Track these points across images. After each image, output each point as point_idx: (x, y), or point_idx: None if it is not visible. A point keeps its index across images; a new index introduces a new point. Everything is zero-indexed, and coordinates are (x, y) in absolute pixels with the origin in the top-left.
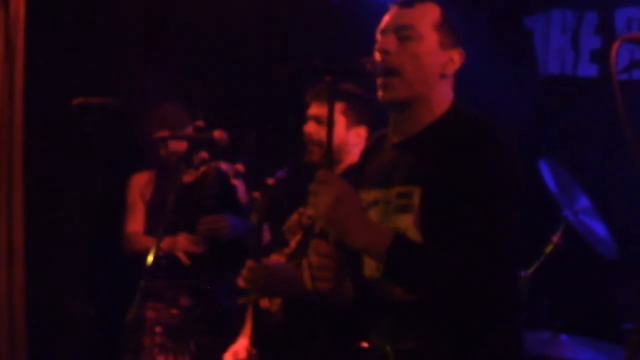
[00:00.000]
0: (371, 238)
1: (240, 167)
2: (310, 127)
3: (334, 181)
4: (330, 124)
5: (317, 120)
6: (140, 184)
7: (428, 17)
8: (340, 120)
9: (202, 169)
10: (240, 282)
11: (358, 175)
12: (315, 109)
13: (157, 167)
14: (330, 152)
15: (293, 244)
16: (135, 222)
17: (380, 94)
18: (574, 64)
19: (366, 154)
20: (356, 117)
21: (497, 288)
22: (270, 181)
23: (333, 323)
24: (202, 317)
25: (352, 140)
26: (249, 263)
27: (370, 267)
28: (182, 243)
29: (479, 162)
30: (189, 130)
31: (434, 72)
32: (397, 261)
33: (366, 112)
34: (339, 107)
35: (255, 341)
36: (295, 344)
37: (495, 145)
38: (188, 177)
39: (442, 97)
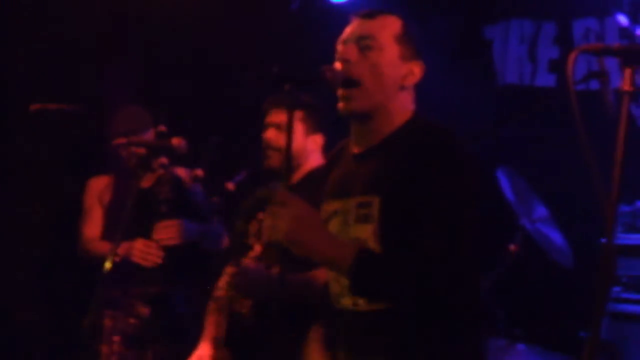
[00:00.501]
0: (335, 254)
1: (199, 172)
2: (270, 134)
3: (292, 202)
4: (289, 131)
5: (277, 127)
6: (99, 188)
7: (389, 28)
8: (298, 128)
9: (157, 173)
10: (221, 284)
11: (322, 185)
12: (275, 117)
13: (116, 171)
14: (289, 159)
15: (258, 247)
16: (92, 227)
17: (340, 105)
18: (532, 74)
19: (329, 165)
20: (313, 125)
21: (461, 296)
22: (229, 186)
23: (303, 324)
24: (160, 326)
25: (310, 147)
26: (230, 269)
27: (332, 278)
28: (138, 249)
29: (438, 172)
30: (151, 134)
31: (394, 83)
32: (361, 275)
33: (322, 120)
34: (297, 115)
35: (227, 343)
36: (266, 345)
37: (454, 154)
38: (146, 182)
39: (402, 108)
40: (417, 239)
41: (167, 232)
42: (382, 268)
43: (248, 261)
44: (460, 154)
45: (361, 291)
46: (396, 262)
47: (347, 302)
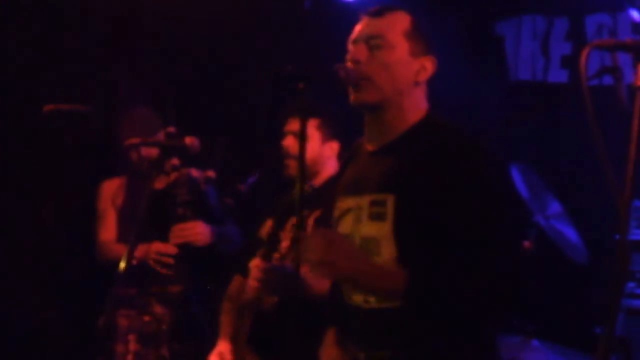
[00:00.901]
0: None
1: (211, 173)
2: (288, 142)
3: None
4: (302, 133)
5: (295, 135)
6: (111, 190)
7: (398, 25)
8: (315, 136)
9: (173, 175)
10: (252, 283)
11: (337, 184)
12: (293, 125)
13: (128, 173)
14: (303, 162)
15: (284, 249)
16: (108, 230)
17: (351, 97)
18: (545, 70)
19: (344, 163)
20: (329, 132)
21: (512, 289)
22: (242, 187)
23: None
24: (175, 324)
25: (327, 154)
26: (260, 264)
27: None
28: (154, 252)
29: (460, 170)
30: (161, 136)
31: (406, 80)
32: (418, 300)
33: (338, 127)
34: (313, 123)
35: (250, 340)
36: (288, 343)
37: (474, 152)
38: (159, 184)
39: (416, 104)
40: (456, 248)
41: (186, 234)
42: (436, 290)
43: (257, 262)
44: (480, 152)
45: (418, 315)
46: (448, 280)
47: (358, 299)
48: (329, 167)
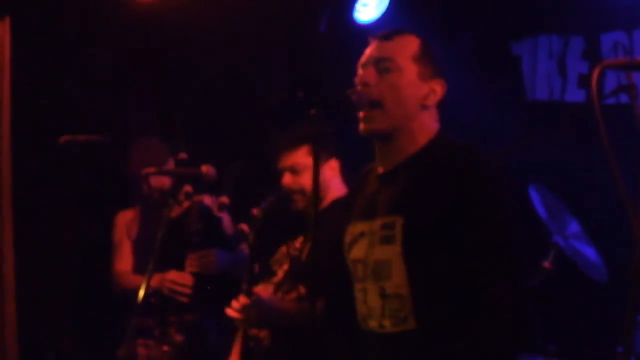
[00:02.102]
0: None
1: (224, 199)
2: (287, 179)
3: None
4: (316, 157)
5: (291, 170)
6: (126, 221)
7: (407, 49)
8: (309, 163)
9: (186, 204)
10: (231, 313)
11: (347, 208)
12: (285, 161)
13: (141, 203)
14: (316, 188)
15: (280, 273)
16: (123, 261)
17: (361, 126)
18: (562, 89)
19: (355, 187)
20: (324, 153)
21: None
22: (256, 212)
23: (320, 349)
24: (193, 354)
25: (328, 175)
26: (241, 299)
27: (359, 300)
28: (170, 281)
29: (467, 191)
30: (171, 164)
31: (415, 103)
32: None
33: (331, 145)
34: (304, 150)
35: None
36: None
37: (484, 173)
38: (174, 213)
39: (425, 127)
40: (469, 276)
41: (201, 262)
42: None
43: (262, 287)
44: (490, 173)
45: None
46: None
47: (373, 324)
48: (334, 187)
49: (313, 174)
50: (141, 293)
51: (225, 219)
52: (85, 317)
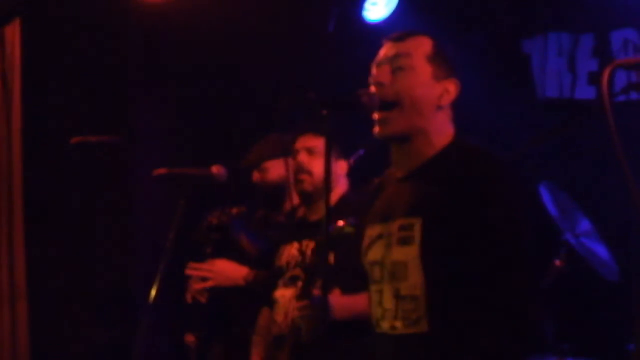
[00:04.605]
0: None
1: (242, 207)
2: (302, 157)
3: None
4: (328, 158)
5: (308, 150)
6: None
7: (420, 49)
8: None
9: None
10: (279, 318)
11: (366, 212)
12: (306, 141)
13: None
14: (328, 185)
15: (299, 285)
16: None
17: (376, 129)
18: (572, 87)
19: (375, 192)
20: (337, 152)
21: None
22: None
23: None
24: None
25: (338, 172)
26: (298, 301)
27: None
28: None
29: (484, 196)
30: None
31: (429, 103)
32: None
33: (343, 147)
34: (322, 142)
35: None
36: None
37: (501, 178)
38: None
39: (441, 129)
40: (483, 281)
41: (202, 273)
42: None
43: (282, 292)
44: (507, 179)
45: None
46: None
47: (385, 325)
48: (340, 185)
49: (325, 167)
50: (153, 293)
51: (237, 227)
52: (98, 317)
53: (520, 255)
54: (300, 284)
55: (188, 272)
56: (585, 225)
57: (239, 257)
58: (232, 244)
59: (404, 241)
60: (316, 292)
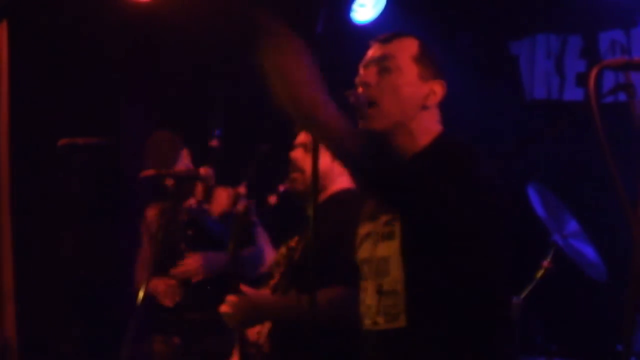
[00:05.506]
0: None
1: (242, 189)
2: (297, 154)
3: None
4: (315, 155)
5: (304, 147)
6: (151, 218)
7: (407, 50)
8: (326, 151)
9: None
10: (223, 309)
11: (359, 209)
12: (303, 137)
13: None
14: (316, 180)
15: (277, 275)
16: (141, 257)
17: (359, 125)
18: (560, 88)
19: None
20: None
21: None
22: (272, 199)
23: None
24: (194, 353)
25: (337, 171)
26: (229, 297)
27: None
28: (161, 289)
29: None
30: (183, 158)
31: (414, 103)
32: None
33: None
34: None
35: None
36: None
37: (474, 174)
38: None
39: (425, 128)
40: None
41: (186, 269)
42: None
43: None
44: (480, 174)
45: (423, 333)
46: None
47: (368, 321)
48: (339, 183)
49: (312, 168)
50: (140, 295)
51: (208, 220)
52: (85, 318)
53: (487, 249)
54: (272, 282)
55: (172, 272)
56: (573, 226)
57: (212, 246)
58: (204, 234)
59: (387, 236)
60: (244, 289)
